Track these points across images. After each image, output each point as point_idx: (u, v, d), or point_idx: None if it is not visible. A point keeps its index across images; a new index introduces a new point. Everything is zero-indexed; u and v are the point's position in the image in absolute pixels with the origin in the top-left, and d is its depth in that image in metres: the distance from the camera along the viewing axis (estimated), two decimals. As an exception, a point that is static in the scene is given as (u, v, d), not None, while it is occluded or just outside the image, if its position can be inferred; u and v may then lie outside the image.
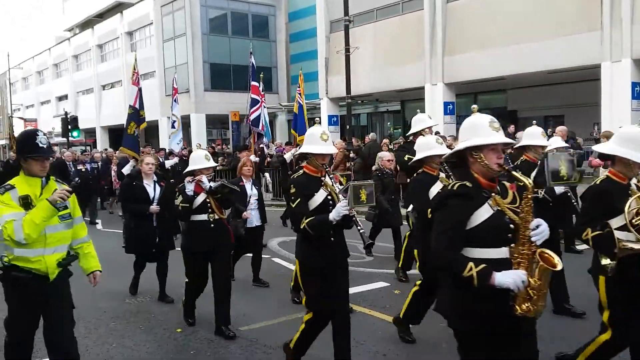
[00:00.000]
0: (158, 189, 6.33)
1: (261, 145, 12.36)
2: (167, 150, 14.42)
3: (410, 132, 6.50)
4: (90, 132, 40.22)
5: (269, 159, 14.49)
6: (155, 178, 6.39)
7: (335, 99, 23.69)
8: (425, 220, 4.19)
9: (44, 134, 3.52)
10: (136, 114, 10.68)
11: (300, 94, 12.07)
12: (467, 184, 2.69)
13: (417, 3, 20.23)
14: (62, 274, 3.62)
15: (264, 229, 7.20)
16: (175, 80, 13.02)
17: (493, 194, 2.69)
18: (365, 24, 22.11)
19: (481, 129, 2.76)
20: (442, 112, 19.54)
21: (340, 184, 4.10)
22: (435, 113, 19.75)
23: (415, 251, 5.06)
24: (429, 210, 3.10)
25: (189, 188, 5.14)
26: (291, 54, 31.32)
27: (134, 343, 5.09)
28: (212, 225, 5.20)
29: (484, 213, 2.65)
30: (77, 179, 12.60)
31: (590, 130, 16.75)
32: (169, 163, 11.28)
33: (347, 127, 17.28)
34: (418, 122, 6.37)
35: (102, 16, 41.46)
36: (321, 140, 3.92)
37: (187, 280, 5.43)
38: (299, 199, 3.87)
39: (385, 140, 14.39)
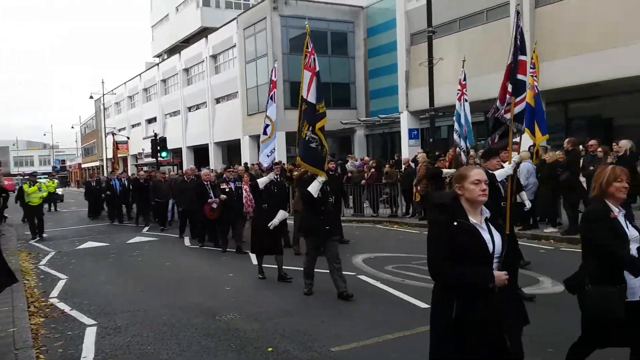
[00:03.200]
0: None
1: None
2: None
3: None
4: (177, 152, 41.95)
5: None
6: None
7: (416, 112, 23.26)
8: None
9: None
10: (312, 109, 7.43)
11: (535, 76, 8.01)
12: None
13: (503, 10, 19.52)
14: None
15: None
16: (275, 71, 10.05)
17: None
18: (447, 34, 21.62)
19: None
20: (531, 123, 18.60)
21: None
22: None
23: None
24: None
25: None
26: (369, 69, 31.25)
27: (225, 362, 5.02)
28: None
29: None
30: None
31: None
32: (263, 182, 8.61)
33: (431, 140, 16.85)
34: None
35: (188, 41, 43.38)
36: None
37: None
38: None
39: (472, 153, 13.83)
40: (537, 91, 7.61)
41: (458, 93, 10.83)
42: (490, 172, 6.24)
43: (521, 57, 7.13)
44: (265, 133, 9.39)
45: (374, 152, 29.43)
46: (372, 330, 5.63)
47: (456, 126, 10.68)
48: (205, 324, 6.18)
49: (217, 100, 36.94)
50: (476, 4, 20.70)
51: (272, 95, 9.55)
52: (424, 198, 13.35)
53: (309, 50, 7.58)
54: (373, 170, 16.32)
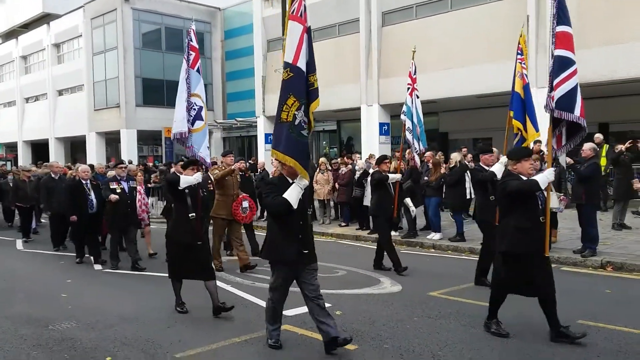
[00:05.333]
0: None
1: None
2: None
3: None
4: (12, 147, 38.10)
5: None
6: None
7: (272, 117, 23.50)
8: None
9: None
10: (299, 81, 5.06)
11: (523, 63, 6.59)
12: None
13: (353, 26, 20.59)
14: None
15: None
16: (194, 33, 7.31)
17: None
18: (302, 44, 22.23)
19: None
20: (378, 133, 19.86)
21: None
22: (370, 133, 20.11)
23: None
24: None
25: None
26: (227, 72, 31.07)
27: (58, 374, 4.70)
28: None
29: None
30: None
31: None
32: (187, 181, 6.53)
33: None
34: None
35: (27, 26, 39.65)
36: None
37: None
38: None
39: (323, 159, 14.39)
40: (526, 81, 6.36)
41: (409, 88, 9.45)
42: (525, 178, 5.24)
43: (560, 29, 5.48)
44: (199, 118, 7.26)
45: (230, 155, 29.30)
46: (219, 334, 5.62)
47: (408, 124, 9.35)
48: (35, 334, 5.71)
49: (60, 93, 34.21)
50: (329, 18, 21.56)
51: (198, 68, 7.15)
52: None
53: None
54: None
